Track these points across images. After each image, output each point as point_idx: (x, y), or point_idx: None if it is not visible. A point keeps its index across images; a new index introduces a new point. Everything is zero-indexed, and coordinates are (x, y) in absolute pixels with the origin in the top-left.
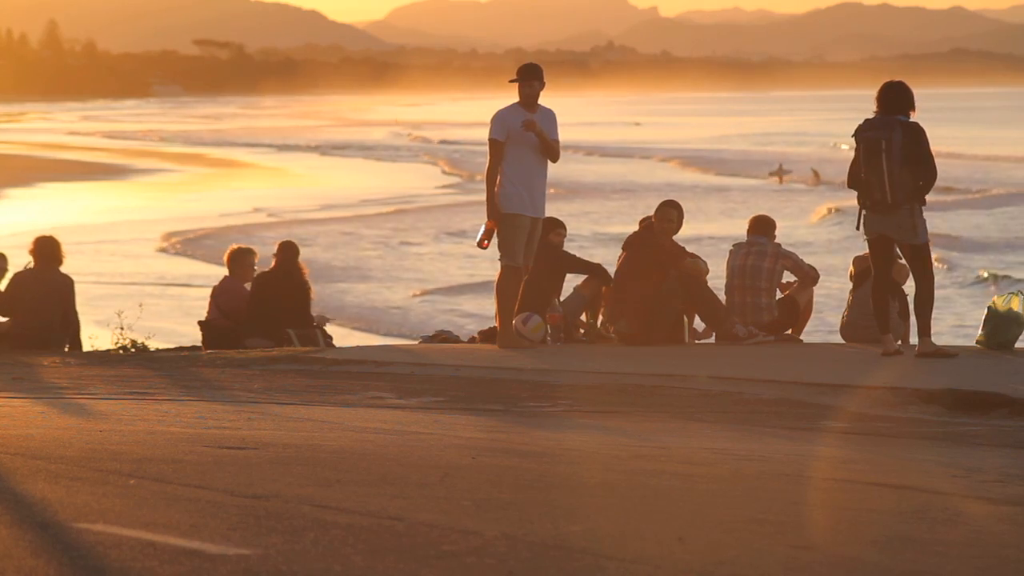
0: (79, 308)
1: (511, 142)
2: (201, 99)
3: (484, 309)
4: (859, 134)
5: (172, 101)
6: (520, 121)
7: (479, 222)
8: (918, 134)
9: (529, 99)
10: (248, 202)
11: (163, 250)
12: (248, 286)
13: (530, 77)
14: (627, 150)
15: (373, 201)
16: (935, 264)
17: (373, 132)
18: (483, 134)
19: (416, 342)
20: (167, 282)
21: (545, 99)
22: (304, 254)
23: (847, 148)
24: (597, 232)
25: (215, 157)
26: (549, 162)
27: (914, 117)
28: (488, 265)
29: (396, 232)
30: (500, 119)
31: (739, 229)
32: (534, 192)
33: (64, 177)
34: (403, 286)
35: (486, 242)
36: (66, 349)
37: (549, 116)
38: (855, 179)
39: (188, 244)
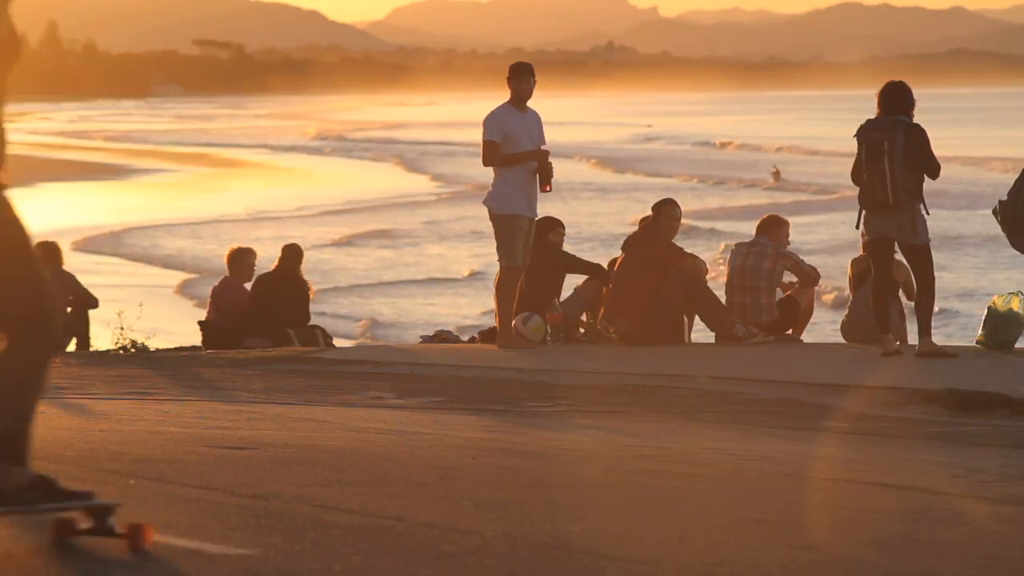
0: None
1: (506, 143)
2: (199, 100)
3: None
4: (861, 135)
5: (172, 101)
6: (513, 120)
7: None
8: (920, 135)
9: (524, 96)
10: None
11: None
12: (248, 286)
13: (525, 74)
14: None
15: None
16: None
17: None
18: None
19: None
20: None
21: (545, 99)
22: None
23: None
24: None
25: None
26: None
27: (915, 117)
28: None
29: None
30: (495, 120)
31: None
32: (530, 192)
33: (64, 177)
34: None
35: (548, 187)
36: (73, 346)
37: (536, 118)
38: (858, 179)
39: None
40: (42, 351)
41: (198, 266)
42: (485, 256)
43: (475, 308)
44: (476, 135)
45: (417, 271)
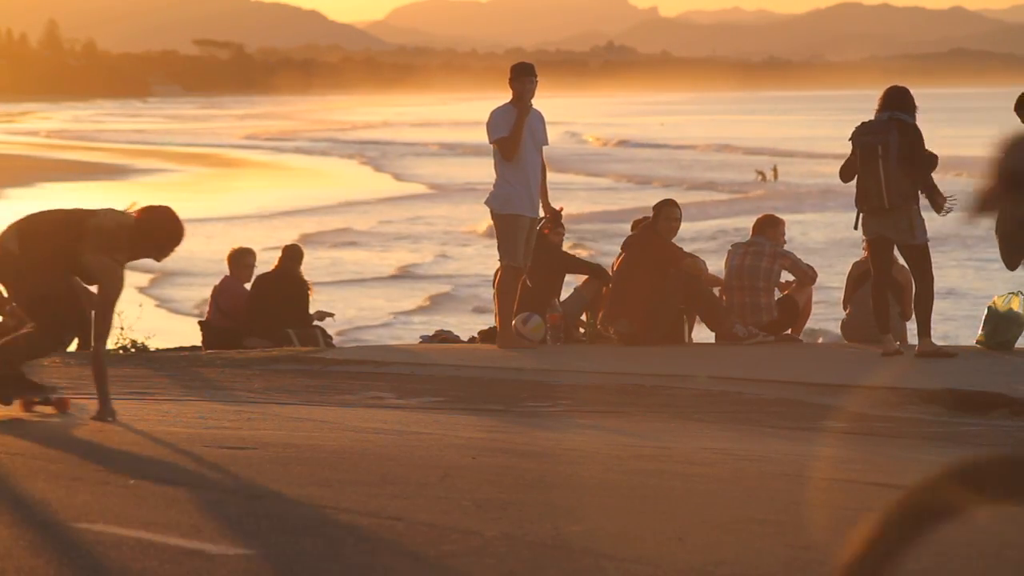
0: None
1: None
2: (199, 99)
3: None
4: (856, 138)
5: (172, 101)
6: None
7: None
8: (914, 132)
9: (528, 96)
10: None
11: None
12: (248, 286)
13: (529, 73)
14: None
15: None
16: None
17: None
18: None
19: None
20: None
21: (545, 100)
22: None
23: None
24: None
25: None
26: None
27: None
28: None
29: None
30: (497, 120)
31: None
32: (532, 192)
33: (64, 177)
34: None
35: (548, 229)
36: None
37: (539, 117)
38: (847, 177)
39: None
40: None
41: (151, 266)
42: (413, 256)
43: (379, 311)
44: (462, 135)
45: (336, 272)
